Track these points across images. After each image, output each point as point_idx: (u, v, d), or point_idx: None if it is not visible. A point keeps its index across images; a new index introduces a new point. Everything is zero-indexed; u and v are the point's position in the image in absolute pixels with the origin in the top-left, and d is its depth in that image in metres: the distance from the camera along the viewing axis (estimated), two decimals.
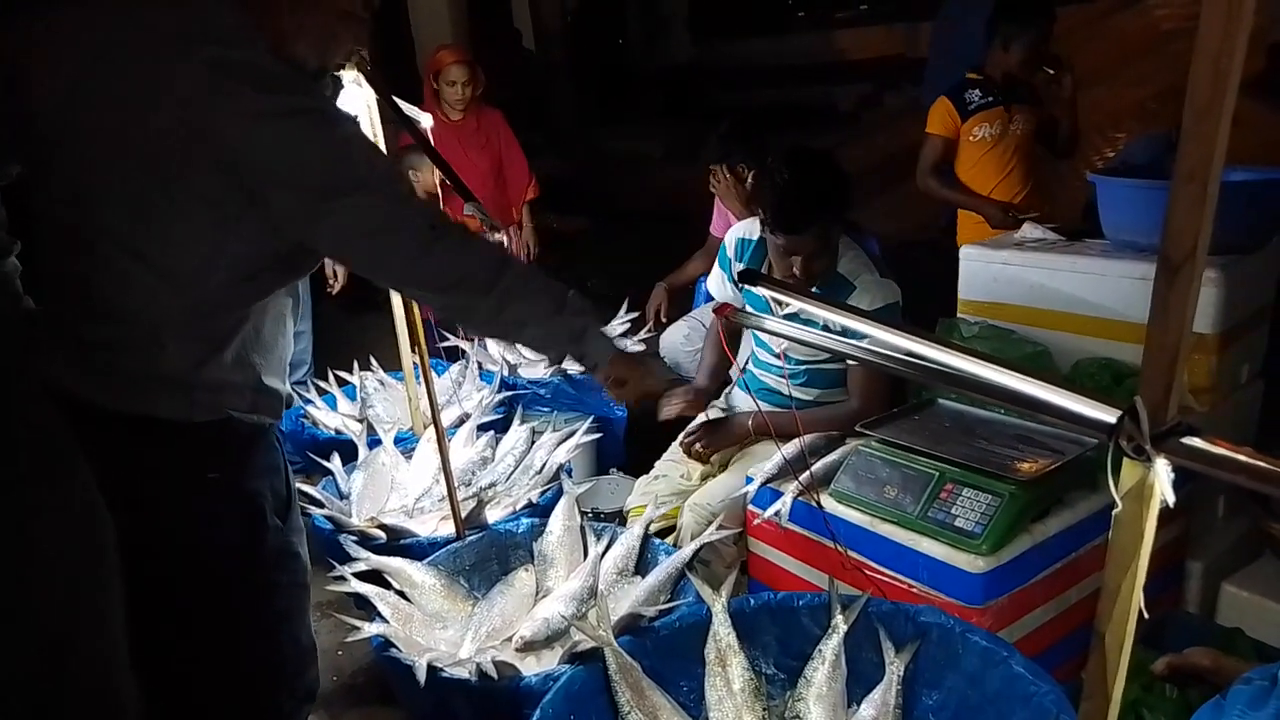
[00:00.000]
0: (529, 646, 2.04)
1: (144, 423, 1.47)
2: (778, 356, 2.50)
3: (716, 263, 2.66)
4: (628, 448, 3.35)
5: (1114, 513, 0.78)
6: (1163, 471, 0.73)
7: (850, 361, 1.86)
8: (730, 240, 2.60)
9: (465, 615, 2.15)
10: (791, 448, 2.20)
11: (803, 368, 2.49)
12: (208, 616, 1.56)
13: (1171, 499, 0.74)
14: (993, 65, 3.43)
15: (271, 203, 1.36)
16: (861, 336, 1.27)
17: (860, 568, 1.98)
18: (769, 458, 2.21)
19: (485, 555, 2.33)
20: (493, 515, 2.48)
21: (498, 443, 2.89)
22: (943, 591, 1.86)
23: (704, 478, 2.55)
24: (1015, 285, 2.52)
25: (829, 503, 2.05)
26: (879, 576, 1.96)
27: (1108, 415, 0.74)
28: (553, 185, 4.15)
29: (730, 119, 3.49)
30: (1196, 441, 0.71)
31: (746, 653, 1.79)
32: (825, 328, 1.76)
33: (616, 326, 3.63)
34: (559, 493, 2.43)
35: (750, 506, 2.23)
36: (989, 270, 2.58)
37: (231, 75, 1.32)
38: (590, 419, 2.99)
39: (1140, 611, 0.81)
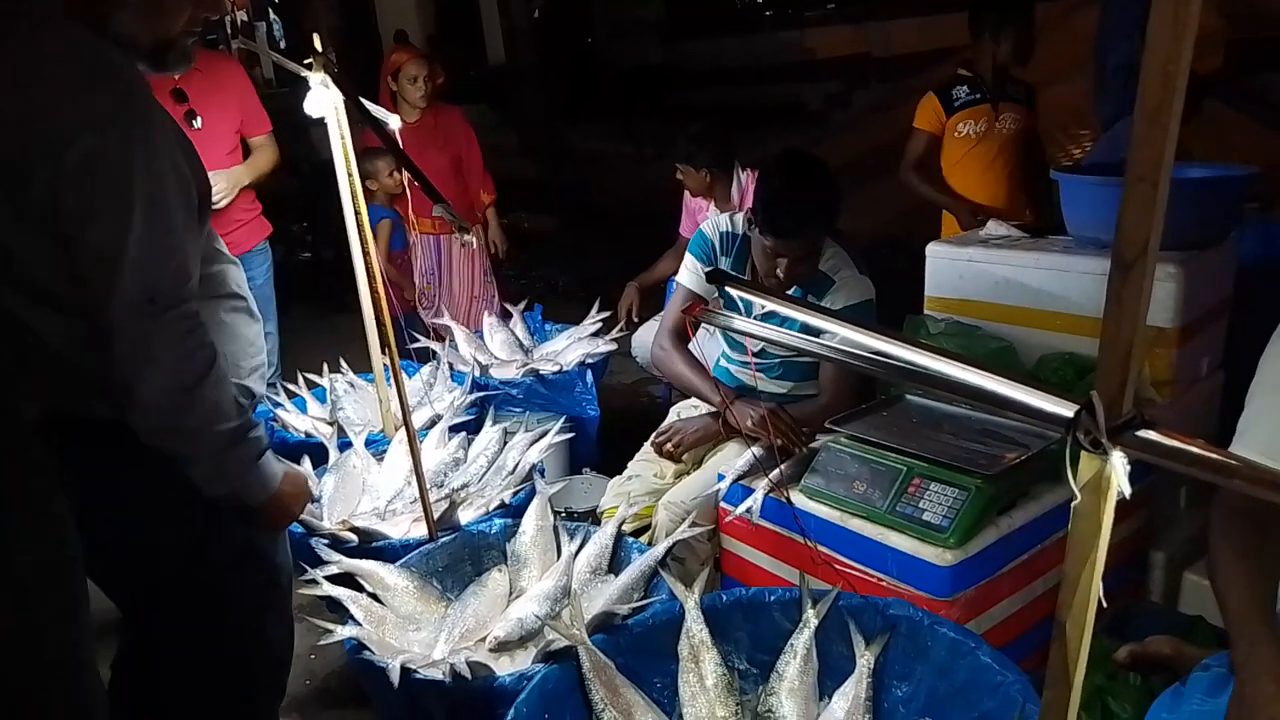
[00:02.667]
0: (503, 646, 2.04)
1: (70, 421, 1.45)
2: (746, 351, 2.51)
3: (692, 254, 2.57)
4: (600, 447, 3.36)
5: (1073, 505, 0.79)
6: (1119, 464, 0.74)
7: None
8: (714, 233, 2.53)
9: (438, 616, 2.14)
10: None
11: (777, 360, 2.50)
12: (163, 614, 1.57)
13: (1128, 491, 0.75)
14: (980, 60, 3.43)
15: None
16: (829, 334, 1.28)
17: (830, 562, 2.00)
18: (742, 454, 2.23)
19: (458, 556, 2.33)
20: (465, 516, 2.48)
21: (470, 444, 2.88)
22: (911, 584, 1.88)
23: (678, 476, 2.56)
24: (981, 282, 2.56)
25: (799, 499, 2.07)
26: (849, 571, 1.98)
27: (1065, 410, 0.76)
28: (522, 184, 4.14)
29: (700, 120, 3.50)
30: (1151, 434, 0.72)
31: (719, 648, 1.81)
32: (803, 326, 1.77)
33: (588, 326, 3.63)
34: (532, 493, 2.43)
35: (722, 503, 2.25)
36: (955, 267, 2.61)
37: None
38: (563, 419, 2.99)
39: (1100, 601, 0.83)
